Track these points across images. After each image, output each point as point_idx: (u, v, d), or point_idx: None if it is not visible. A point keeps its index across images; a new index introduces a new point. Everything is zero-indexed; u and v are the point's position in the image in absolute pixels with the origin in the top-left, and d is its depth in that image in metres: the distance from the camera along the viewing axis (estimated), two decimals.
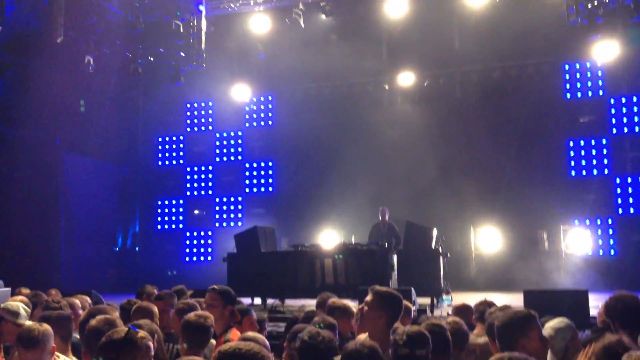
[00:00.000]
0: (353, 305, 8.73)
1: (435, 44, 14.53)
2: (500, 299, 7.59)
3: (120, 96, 16.71)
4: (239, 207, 17.15)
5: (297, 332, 3.65)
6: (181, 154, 17.94)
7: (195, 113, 17.93)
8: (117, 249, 17.30)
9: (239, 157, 17.38)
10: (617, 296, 3.85)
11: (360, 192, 14.61)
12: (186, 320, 3.90)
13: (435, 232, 10.99)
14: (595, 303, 8.05)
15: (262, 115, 17.33)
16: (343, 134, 15.45)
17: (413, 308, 6.14)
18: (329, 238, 13.14)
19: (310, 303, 7.96)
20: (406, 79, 14.86)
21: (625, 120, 13.84)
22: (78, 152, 15.72)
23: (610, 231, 13.60)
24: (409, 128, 14.67)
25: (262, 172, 17.11)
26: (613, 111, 13.97)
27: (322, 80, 15.89)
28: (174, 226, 17.61)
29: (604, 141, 13.99)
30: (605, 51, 12.39)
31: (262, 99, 17.21)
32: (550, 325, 4.14)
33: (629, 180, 13.61)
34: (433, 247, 10.65)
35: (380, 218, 11.94)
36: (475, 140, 14.27)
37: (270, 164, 17.02)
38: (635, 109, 13.75)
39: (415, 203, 13.83)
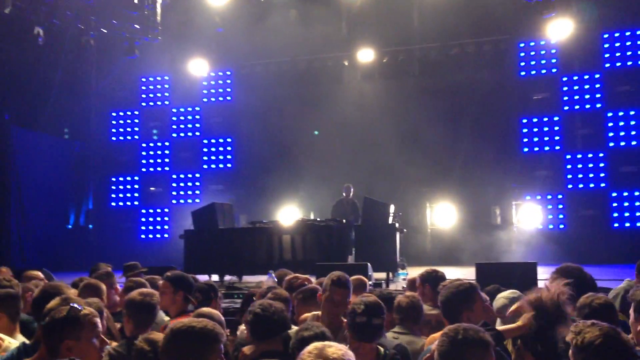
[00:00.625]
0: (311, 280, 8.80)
1: (394, 20, 14.55)
2: (453, 272, 7.77)
3: (72, 70, 16.18)
4: (197, 183, 16.96)
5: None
6: (136, 129, 17.56)
7: (151, 87, 17.54)
8: (70, 226, 16.93)
9: (197, 133, 17.13)
10: (563, 267, 4.01)
11: (319, 168, 14.66)
12: (129, 298, 3.82)
13: (392, 207, 11.12)
14: (545, 275, 8.33)
15: (221, 90, 17.08)
16: (303, 110, 15.40)
17: (369, 283, 6.23)
18: (287, 215, 13.15)
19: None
20: (365, 55, 14.85)
21: (576, 97, 14.19)
22: (28, 127, 15.21)
23: (560, 206, 14.02)
24: (368, 104, 14.74)
25: (221, 149, 16.92)
26: (565, 89, 14.30)
27: (281, 55, 15.72)
28: (129, 203, 17.30)
29: (556, 118, 14.33)
30: (559, 29, 12.62)
31: (220, 74, 16.94)
32: (504, 295, 4.30)
33: (579, 156, 14.01)
34: (390, 222, 10.78)
35: (344, 194, 11.97)
36: (433, 117, 14.42)
37: (229, 140, 16.84)
38: (587, 86, 14.10)
39: (374, 179, 13.95)
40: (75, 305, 2.81)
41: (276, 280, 5.70)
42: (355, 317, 3.28)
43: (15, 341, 3.50)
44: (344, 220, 10.72)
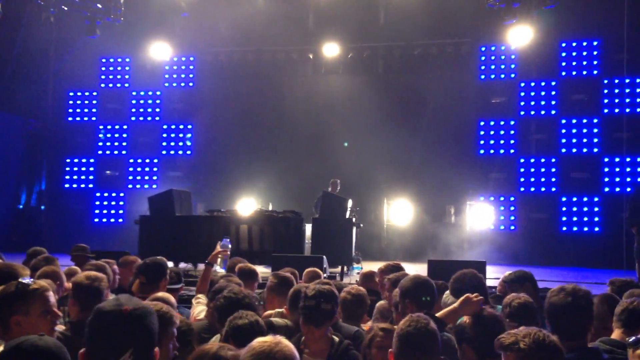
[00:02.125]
0: (266, 271, 8.86)
1: (361, 17, 14.66)
2: (407, 268, 7.91)
3: (30, 46, 15.70)
4: (154, 169, 16.73)
5: (218, 292, 3.71)
6: (94, 110, 17.18)
7: (111, 69, 17.17)
8: (21, 206, 16.49)
9: (157, 118, 16.88)
10: (515, 272, 4.34)
11: (279, 160, 14.70)
12: (76, 281, 3.77)
13: (350, 202, 11.25)
14: (494, 274, 8.59)
15: (183, 76, 16.86)
16: (265, 101, 15.37)
17: (323, 275, 6.32)
18: (246, 205, 13.14)
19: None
20: (331, 49, 14.92)
21: (532, 103, 14.59)
22: None
23: (512, 208, 14.43)
24: (330, 98, 14.83)
25: (181, 135, 16.72)
26: (522, 94, 14.68)
27: (246, 44, 15.64)
28: (83, 185, 16.93)
29: (512, 122, 14.71)
30: (519, 36, 12.96)
31: (183, 59, 16.73)
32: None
33: (532, 160, 14.43)
34: (347, 217, 10.91)
35: (330, 189, 11.95)
36: (394, 115, 14.61)
37: (189, 126, 16.66)
38: (543, 93, 14.52)
39: (333, 174, 14.05)
40: (25, 280, 2.79)
41: (230, 246, 5.73)
42: (305, 300, 3.35)
43: None
44: (312, 212, 10.79)
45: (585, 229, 13.79)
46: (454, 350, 3.19)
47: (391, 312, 4.12)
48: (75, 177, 16.97)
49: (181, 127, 16.69)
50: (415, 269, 8.36)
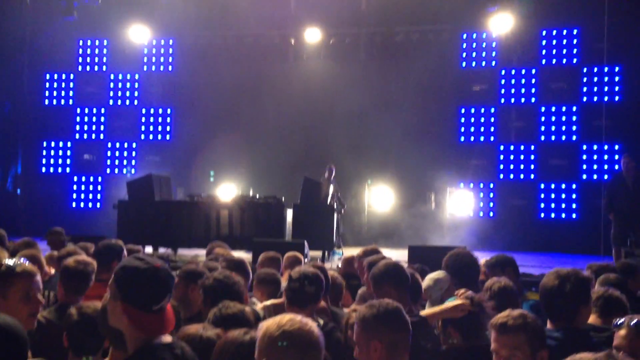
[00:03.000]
0: (246, 256, 8.82)
1: (343, 2, 14.55)
2: (387, 253, 7.93)
3: (5, 27, 15.33)
4: (133, 153, 16.52)
5: (197, 274, 3.69)
6: (71, 93, 16.87)
7: (89, 51, 16.84)
8: None
9: (135, 102, 16.64)
10: (453, 252, 4.39)
11: (260, 145, 14.61)
12: (64, 265, 3.75)
13: (331, 188, 11.24)
14: None
15: (162, 59, 16.61)
16: (246, 85, 15.22)
17: (305, 260, 6.31)
18: (226, 190, 13.05)
19: (204, 253, 7.94)
20: (313, 35, 14.81)
21: (513, 91, 14.68)
22: None
23: (491, 195, 14.55)
24: (312, 84, 14.74)
25: (160, 119, 16.52)
26: (503, 82, 14.75)
27: (227, 29, 15.45)
28: (60, 170, 16.66)
29: (493, 110, 14.79)
30: (500, 23, 12.99)
31: (162, 42, 16.48)
32: (430, 277, 4.48)
33: (512, 148, 14.54)
34: (328, 202, 10.90)
35: (326, 175, 11.87)
36: (375, 101, 14.59)
37: (168, 111, 16.46)
38: (523, 81, 14.60)
39: (314, 159, 14.03)
40: (10, 262, 2.72)
41: None
42: (290, 282, 3.38)
43: None
44: (299, 198, 10.76)
45: (563, 215, 13.97)
46: (434, 336, 3.23)
47: (372, 296, 4.13)
48: (52, 161, 16.69)
49: (160, 111, 16.49)
50: (395, 255, 8.40)
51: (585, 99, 14.08)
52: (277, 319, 2.04)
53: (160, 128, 16.48)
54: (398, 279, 3.57)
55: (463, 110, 14.90)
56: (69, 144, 16.68)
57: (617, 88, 13.85)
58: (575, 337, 2.87)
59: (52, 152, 16.70)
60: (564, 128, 14.19)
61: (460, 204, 14.11)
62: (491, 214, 14.45)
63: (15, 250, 4.85)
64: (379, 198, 14.41)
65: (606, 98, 13.73)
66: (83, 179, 16.52)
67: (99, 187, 16.42)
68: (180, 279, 3.76)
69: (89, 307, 2.83)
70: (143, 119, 16.52)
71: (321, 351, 1.98)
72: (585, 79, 14.10)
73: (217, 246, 5.75)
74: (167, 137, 16.42)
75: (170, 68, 16.51)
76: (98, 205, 16.15)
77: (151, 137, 16.47)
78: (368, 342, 2.39)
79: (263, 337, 1.98)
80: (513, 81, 14.68)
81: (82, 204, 16.38)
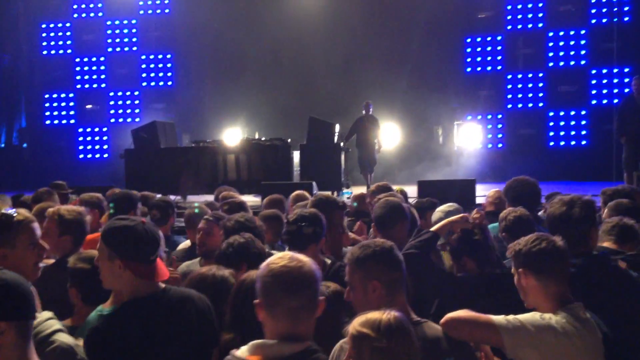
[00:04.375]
0: (255, 199, 8.84)
1: None
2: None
3: None
4: (136, 101, 16.36)
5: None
6: (69, 42, 16.55)
7: None
8: (2, 145, 16.17)
9: (134, 48, 16.33)
10: (516, 178, 4.30)
11: (263, 86, 14.40)
12: (63, 217, 3.69)
13: (337, 127, 11.13)
14: (483, 192, 8.63)
15: (158, 2, 16.18)
16: (244, 26, 14.83)
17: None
18: (232, 134, 12.95)
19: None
20: None
21: (519, 17, 14.23)
22: None
23: (500, 125, 14.37)
24: (312, 19, 14.34)
25: (160, 65, 16.26)
26: (509, 7, 14.29)
27: None
28: (64, 121, 16.57)
29: (499, 38, 14.40)
30: None
31: None
32: (441, 209, 4.47)
33: (519, 76, 14.24)
34: (335, 142, 10.81)
35: (364, 112, 11.71)
36: (377, 35, 14.24)
37: (168, 56, 16.17)
38: (530, 5, 14.13)
39: (318, 97, 13.84)
40: (8, 211, 2.70)
41: None
42: (287, 225, 3.38)
43: None
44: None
45: (573, 142, 13.82)
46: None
47: None
48: (55, 112, 16.59)
49: (160, 56, 16.20)
50: (407, 191, 8.37)
51: (594, 21, 13.64)
52: (270, 258, 2.05)
53: (161, 74, 16.24)
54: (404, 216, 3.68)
55: (469, 40, 14.52)
56: (71, 95, 16.52)
57: (626, 8, 13.37)
58: (595, 262, 2.92)
59: (55, 104, 16.57)
60: (572, 53, 13.83)
61: (468, 136, 13.96)
62: (500, 145, 14.31)
63: (37, 198, 4.85)
64: (386, 135, 14.24)
65: (615, 19, 13.29)
66: (88, 129, 16.45)
67: (105, 138, 16.37)
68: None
69: (89, 254, 2.82)
70: (144, 66, 16.26)
71: (310, 288, 1.98)
72: (593, 0, 13.62)
73: (224, 190, 5.73)
74: (169, 83, 16.20)
75: (167, 10, 16.11)
76: (106, 155, 16.14)
77: (153, 84, 16.26)
78: (365, 282, 2.36)
79: (257, 277, 2.03)
80: (519, 6, 14.21)
81: (89, 155, 16.38)
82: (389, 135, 14.18)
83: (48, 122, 16.59)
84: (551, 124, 13.99)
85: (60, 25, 16.47)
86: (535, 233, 2.61)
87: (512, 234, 3.43)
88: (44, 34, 16.50)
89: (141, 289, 2.36)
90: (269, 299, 1.98)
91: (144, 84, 16.28)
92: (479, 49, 14.51)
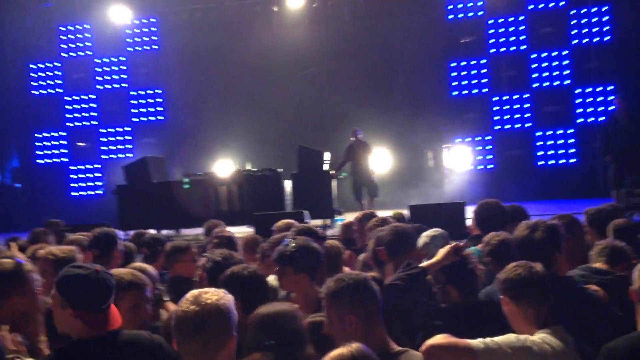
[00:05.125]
0: (249, 230, 8.87)
1: None
2: (388, 215, 7.97)
3: None
4: (127, 137, 16.45)
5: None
6: (59, 82, 16.70)
7: (71, 37, 16.59)
8: None
9: (124, 85, 16.49)
10: (481, 202, 4.33)
11: (253, 118, 14.52)
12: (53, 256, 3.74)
13: (327, 155, 11.22)
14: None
15: (146, 39, 16.39)
16: (233, 58, 15.04)
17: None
18: (223, 166, 13.03)
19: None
20: (295, 0, 14.57)
21: (502, 40, 14.50)
22: None
23: (489, 147, 14.51)
24: (299, 51, 14.57)
25: (150, 100, 16.41)
26: (491, 31, 14.57)
27: (208, 1, 15.20)
28: (57, 160, 16.62)
29: (483, 61, 14.64)
30: None
31: (144, 21, 16.23)
32: (426, 234, 4.48)
33: (505, 98, 14.45)
34: (325, 169, 10.89)
35: (352, 138, 11.79)
36: (363, 63, 14.45)
37: (158, 91, 16.32)
38: (512, 29, 14.42)
39: (307, 127, 13.96)
40: (19, 260, 2.73)
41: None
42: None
43: None
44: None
45: (562, 161, 13.96)
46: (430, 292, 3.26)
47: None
48: (47, 151, 16.65)
49: (150, 92, 16.36)
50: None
51: (575, 41, 13.92)
52: (185, 297, 2.21)
53: (152, 109, 16.37)
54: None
55: (453, 64, 14.75)
56: (62, 133, 16.61)
57: (606, 28, 13.66)
58: (559, 285, 2.88)
59: (47, 143, 16.63)
60: (555, 73, 14.07)
61: (457, 158, 14.09)
62: (490, 166, 14.44)
63: (34, 238, 4.85)
64: (376, 160, 14.35)
65: (596, 39, 13.58)
66: (81, 167, 16.49)
67: (98, 174, 16.40)
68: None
69: None
70: (133, 102, 16.41)
71: (205, 332, 2.06)
72: (574, 21, 13.91)
73: (213, 225, 5.76)
74: (160, 117, 16.32)
75: (155, 47, 16.30)
76: (100, 192, 16.14)
77: (144, 119, 16.38)
78: (342, 317, 2.40)
79: None
80: (502, 30, 14.49)
81: (82, 192, 16.39)
82: (379, 159, 14.30)
83: (40, 161, 16.63)
84: (539, 143, 14.16)
85: (49, 64, 16.63)
86: (517, 261, 2.68)
87: (496, 258, 3.48)
88: (32, 74, 16.65)
89: (89, 332, 2.39)
90: (177, 341, 2.11)
91: (135, 119, 16.39)
92: (464, 73, 14.73)
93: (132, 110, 16.38)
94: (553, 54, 14.07)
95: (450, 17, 14.77)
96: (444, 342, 2.35)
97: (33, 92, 16.68)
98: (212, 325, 2.05)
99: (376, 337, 2.28)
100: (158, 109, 16.34)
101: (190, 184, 10.12)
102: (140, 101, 16.40)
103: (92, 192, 16.30)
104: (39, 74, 16.68)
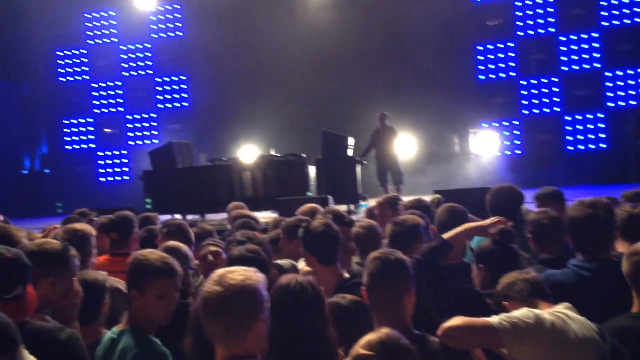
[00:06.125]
0: (273, 215, 8.87)
1: None
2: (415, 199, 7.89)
3: (11, 6, 15.28)
4: (153, 123, 16.60)
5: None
6: (85, 68, 16.90)
7: (97, 24, 16.77)
8: (26, 171, 16.49)
9: (149, 71, 16.61)
10: (493, 189, 4.20)
11: (277, 103, 14.49)
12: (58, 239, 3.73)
13: (351, 140, 11.14)
14: None
15: (171, 25, 16.46)
16: (256, 43, 15.02)
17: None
18: (247, 151, 13.05)
19: None
20: None
21: (530, 22, 14.20)
22: None
23: (516, 132, 14.28)
24: (323, 35, 14.47)
25: (176, 87, 16.50)
26: (519, 14, 14.27)
27: None
28: (84, 146, 16.87)
29: (511, 44, 14.36)
30: None
31: (169, 7, 16.29)
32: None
33: (533, 82, 14.17)
34: (349, 155, 10.82)
35: (379, 124, 11.74)
36: (388, 47, 14.30)
37: (183, 77, 16.40)
38: (540, 10, 14.10)
39: (332, 111, 13.90)
40: (65, 243, 2.72)
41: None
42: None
43: None
44: (304, 155, 10.72)
45: (592, 146, 13.68)
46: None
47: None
48: (75, 137, 16.91)
49: (175, 78, 16.44)
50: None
51: (605, 23, 13.55)
52: (210, 276, 2.07)
53: (177, 95, 16.47)
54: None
55: (480, 48, 14.50)
56: (90, 120, 16.83)
57: (637, 9, 13.27)
58: (612, 267, 2.80)
59: (75, 129, 16.90)
60: (585, 56, 13.75)
61: (484, 144, 13.89)
62: (518, 151, 14.21)
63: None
64: (402, 145, 14.23)
65: (627, 21, 13.19)
66: (108, 153, 16.72)
67: (125, 160, 16.61)
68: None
69: (81, 276, 2.83)
70: (159, 88, 16.52)
71: (229, 312, 1.95)
72: (604, 3, 13.54)
73: (235, 207, 5.76)
74: (185, 103, 16.42)
75: (180, 33, 16.38)
76: (126, 177, 16.36)
77: (169, 105, 16.50)
78: (401, 293, 2.43)
79: None
80: (530, 12, 14.18)
81: (110, 178, 16.63)
82: (404, 144, 14.17)
83: (68, 147, 16.89)
84: (568, 128, 13.88)
85: (76, 52, 16.82)
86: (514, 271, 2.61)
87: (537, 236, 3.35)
88: (60, 61, 16.86)
89: None
90: (203, 322, 2.01)
91: (160, 106, 16.52)
92: (491, 56, 14.48)
93: (158, 97, 16.50)
94: (583, 36, 13.73)
95: None
96: (461, 322, 2.24)
97: (60, 79, 16.89)
98: (236, 307, 1.93)
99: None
100: (183, 95, 16.43)
101: None
102: (165, 87, 16.50)
103: (119, 178, 16.51)
104: (66, 60, 16.88)
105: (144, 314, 2.55)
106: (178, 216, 10.79)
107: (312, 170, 10.76)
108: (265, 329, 2.02)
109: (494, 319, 2.26)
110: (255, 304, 1.98)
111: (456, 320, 2.26)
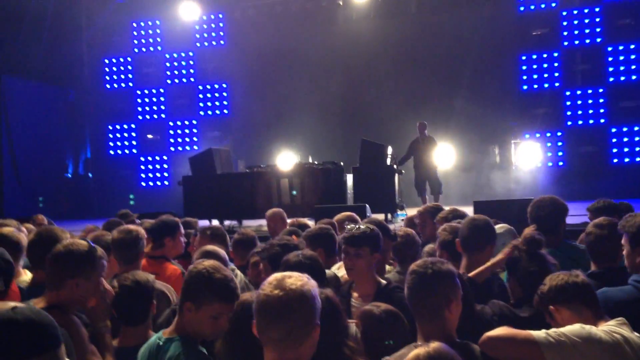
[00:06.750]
0: (310, 223, 8.85)
1: None
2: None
3: (61, 15, 15.78)
4: (194, 130, 16.86)
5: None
6: (130, 76, 17.31)
7: (143, 33, 17.19)
8: (70, 175, 16.94)
9: (192, 79, 16.90)
10: (535, 200, 4.08)
11: (316, 111, 14.53)
12: (112, 237, 3.79)
13: (390, 149, 11.07)
14: None
15: (214, 34, 16.74)
16: (297, 53, 15.13)
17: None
18: (285, 159, 13.11)
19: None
20: None
21: (576, 32, 13.90)
22: (19, 76, 14.97)
23: (560, 143, 13.96)
24: (364, 45, 14.46)
25: (217, 95, 16.74)
26: (565, 23, 13.99)
27: None
28: (127, 151, 17.25)
29: (556, 54, 14.08)
30: None
31: (212, 17, 16.57)
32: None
33: (578, 92, 13.85)
34: (388, 164, 10.75)
35: (419, 133, 11.71)
36: (431, 56, 14.19)
37: (224, 85, 16.63)
38: (587, 21, 13.79)
39: (371, 121, 13.85)
40: (92, 244, 2.72)
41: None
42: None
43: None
44: (341, 163, 10.70)
45: (638, 159, 13.26)
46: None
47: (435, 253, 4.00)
48: (118, 143, 17.30)
49: (216, 86, 16.68)
50: (464, 211, 8.19)
51: None
52: (267, 279, 2.05)
53: (217, 103, 16.70)
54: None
55: (524, 57, 14.25)
56: (133, 126, 17.20)
57: None
58: (614, 274, 3.02)
59: (118, 135, 17.29)
60: (633, 67, 13.36)
61: (526, 155, 13.61)
62: (561, 163, 13.88)
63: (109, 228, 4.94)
64: (441, 155, 14.08)
65: None
66: (149, 158, 17.04)
67: (165, 166, 16.90)
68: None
69: (127, 278, 2.85)
70: (200, 96, 16.78)
71: (291, 318, 1.90)
72: None
73: (272, 214, 5.77)
74: (225, 111, 16.63)
75: (222, 42, 16.62)
76: (166, 183, 16.64)
77: (210, 112, 16.74)
78: (447, 299, 2.36)
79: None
80: (576, 22, 13.88)
81: (150, 183, 16.94)
82: (445, 154, 14.01)
83: (112, 152, 17.29)
84: (614, 140, 13.49)
85: (122, 59, 17.26)
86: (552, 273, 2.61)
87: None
88: (106, 69, 17.32)
89: None
90: (258, 326, 1.95)
91: (201, 113, 16.77)
92: (535, 66, 14.21)
93: (199, 104, 16.76)
94: (631, 47, 13.35)
95: (522, 8, 14.29)
96: (504, 333, 2.23)
97: (107, 86, 17.33)
98: (297, 312, 1.90)
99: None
100: (223, 102, 16.65)
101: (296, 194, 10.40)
102: (207, 95, 16.75)
103: (160, 183, 16.80)
104: (113, 68, 17.32)
105: (193, 327, 2.47)
106: (216, 222, 10.92)
107: (349, 179, 10.73)
108: (317, 337, 1.98)
109: (538, 334, 2.23)
110: (314, 311, 1.96)
111: (500, 331, 2.24)
